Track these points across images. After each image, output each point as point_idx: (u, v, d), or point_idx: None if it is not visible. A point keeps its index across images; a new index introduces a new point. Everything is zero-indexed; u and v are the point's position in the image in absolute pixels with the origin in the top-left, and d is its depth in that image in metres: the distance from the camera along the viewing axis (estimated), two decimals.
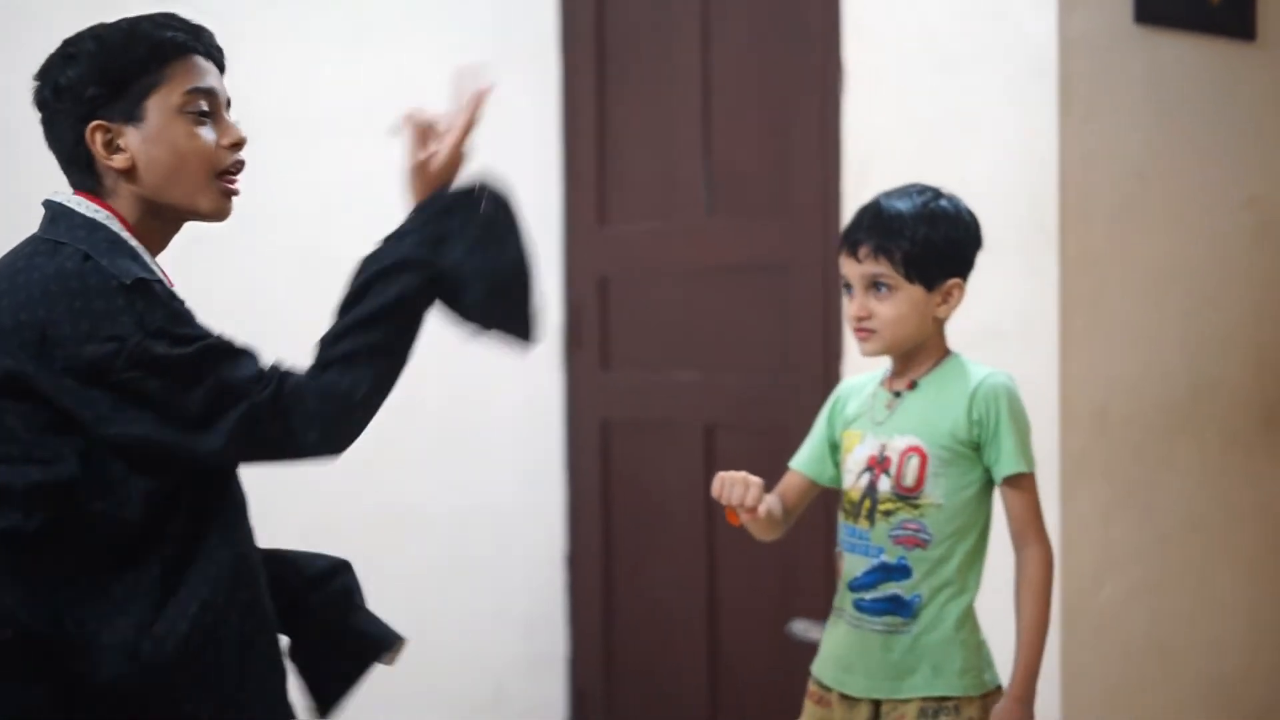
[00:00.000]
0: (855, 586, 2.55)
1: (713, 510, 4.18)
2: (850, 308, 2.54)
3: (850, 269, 2.53)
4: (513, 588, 4.56)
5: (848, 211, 3.61)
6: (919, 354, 2.57)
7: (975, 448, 2.51)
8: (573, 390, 4.64)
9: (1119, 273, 3.35)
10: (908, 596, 2.52)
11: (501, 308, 2.21)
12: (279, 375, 2.01)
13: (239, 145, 2.15)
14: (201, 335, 1.99)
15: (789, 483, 2.73)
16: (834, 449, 2.68)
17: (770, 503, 2.57)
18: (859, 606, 2.55)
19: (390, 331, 2.10)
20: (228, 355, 2.00)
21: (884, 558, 2.51)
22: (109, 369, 1.92)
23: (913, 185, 2.57)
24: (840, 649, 2.59)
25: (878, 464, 2.53)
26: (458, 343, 4.34)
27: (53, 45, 2.12)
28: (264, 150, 3.93)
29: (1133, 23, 3.33)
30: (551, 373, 4.62)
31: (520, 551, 4.57)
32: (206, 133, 2.11)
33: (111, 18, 2.13)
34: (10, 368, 1.93)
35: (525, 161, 4.56)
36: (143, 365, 1.93)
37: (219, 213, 2.15)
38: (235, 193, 2.16)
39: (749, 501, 2.48)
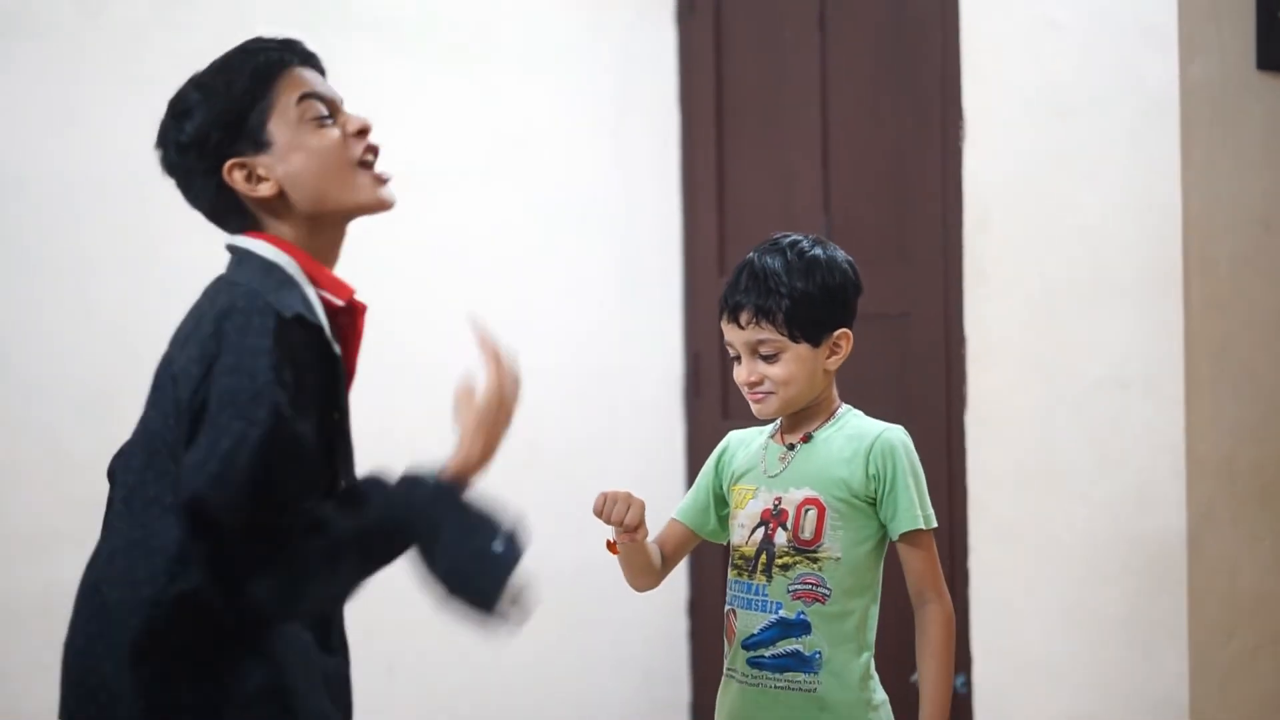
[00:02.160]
0: (752, 644, 2.46)
1: None
2: (740, 373, 2.49)
3: (734, 335, 2.48)
4: (634, 636, 4.57)
5: (969, 258, 3.62)
6: (812, 408, 2.52)
7: (871, 502, 2.44)
8: (693, 439, 4.65)
9: (1243, 319, 3.32)
10: (808, 652, 2.42)
11: (468, 588, 2.09)
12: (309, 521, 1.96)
13: (366, 131, 2.15)
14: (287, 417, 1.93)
15: (669, 532, 2.65)
16: (719, 502, 2.61)
17: (650, 544, 2.55)
18: (757, 664, 2.45)
19: (348, 582, 2.03)
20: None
21: (782, 613, 2.43)
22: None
23: (783, 236, 2.51)
24: (738, 711, 2.48)
25: (773, 517, 2.46)
26: (578, 394, 4.44)
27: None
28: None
29: (1254, 69, 3.31)
30: (672, 422, 4.64)
31: (641, 599, 4.56)
32: (331, 131, 2.11)
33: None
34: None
35: (647, 212, 4.61)
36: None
37: (379, 202, 2.16)
38: (385, 179, 2.17)
39: (630, 520, 2.44)
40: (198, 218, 3.60)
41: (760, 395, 2.48)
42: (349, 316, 2.16)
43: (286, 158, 2.08)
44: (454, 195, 4.17)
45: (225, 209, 2.12)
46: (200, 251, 3.70)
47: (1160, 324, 3.26)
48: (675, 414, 4.64)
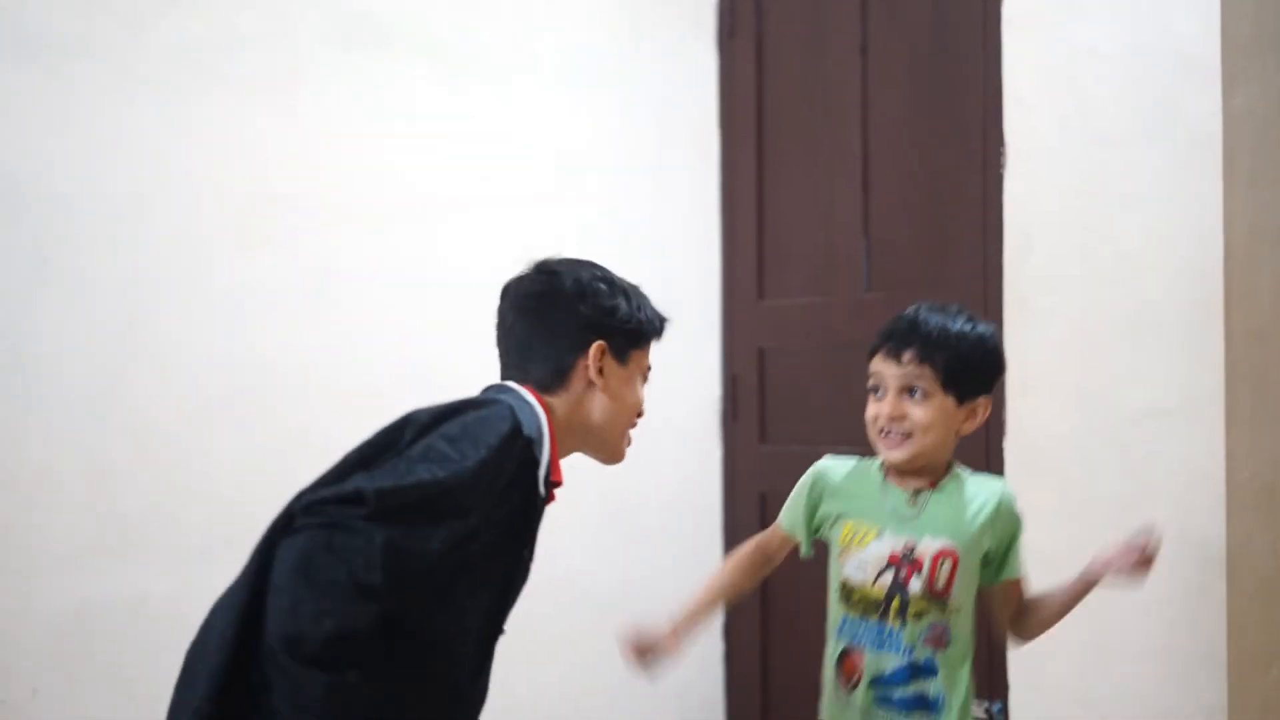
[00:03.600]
0: (881, 683, 2.57)
1: None
2: (880, 407, 2.61)
3: (888, 370, 2.61)
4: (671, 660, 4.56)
5: (1009, 286, 3.61)
6: (937, 459, 2.65)
7: (986, 555, 2.62)
8: (730, 463, 4.66)
9: None
10: (933, 695, 2.56)
11: None
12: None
13: (642, 415, 2.52)
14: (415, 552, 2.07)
15: (776, 537, 2.82)
16: (810, 527, 2.75)
17: (720, 581, 2.82)
18: (884, 702, 2.57)
19: None
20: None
21: (914, 656, 2.56)
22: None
23: (949, 305, 2.67)
24: None
25: (905, 563, 2.56)
26: None
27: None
28: (429, 226, 4.07)
29: None
30: (710, 446, 4.64)
31: None
32: (642, 393, 2.50)
33: None
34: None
35: (686, 235, 4.62)
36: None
37: (618, 459, 2.54)
38: (631, 441, 2.52)
39: (664, 652, 2.74)
40: (235, 237, 3.63)
41: (897, 438, 2.59)
42: (547, 499, 2.39)
43: (622, 383, 2.45)
44: (494, 217, 4.19)
45: (560, 361, 2.40)
46: (245, 273, 3.76)
47: (1201, 354, 3.24)
48: (713, 437, 4.65)
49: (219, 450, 3.69)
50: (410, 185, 4.03)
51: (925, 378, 2.55)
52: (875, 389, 2.62)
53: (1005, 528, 2.62)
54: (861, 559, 2.60)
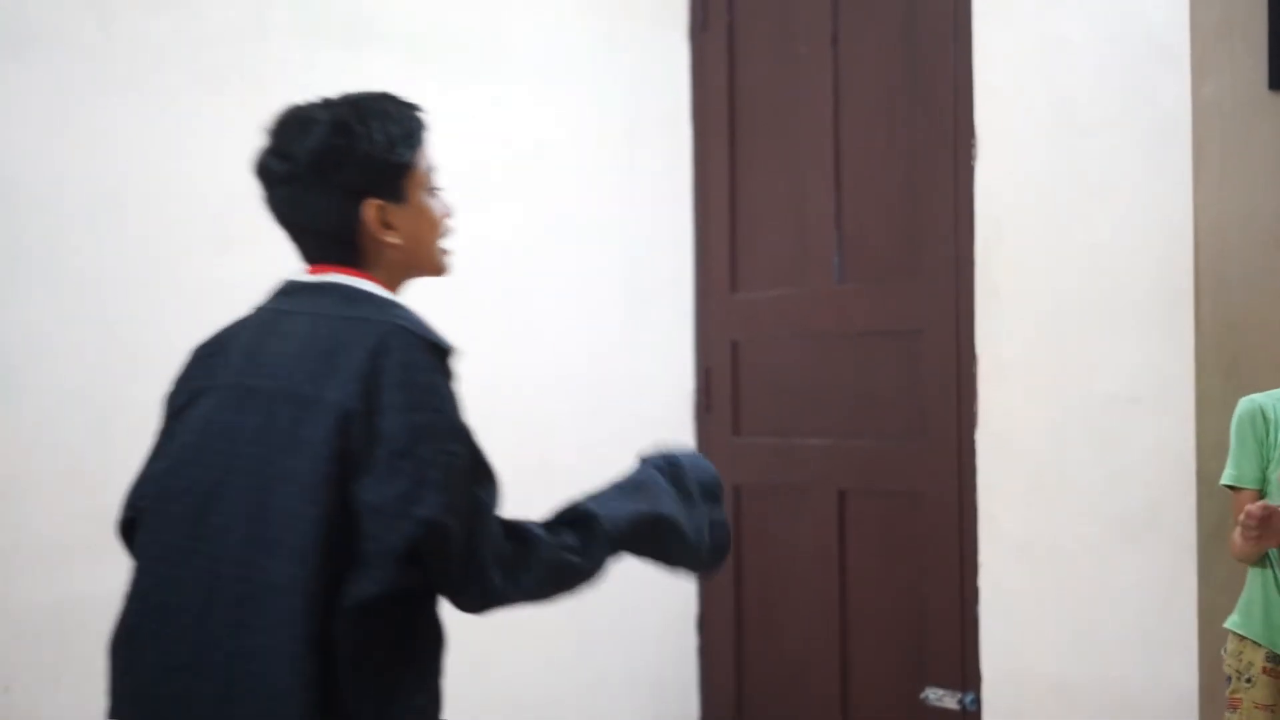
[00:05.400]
0: None
1: (845, 574, 4.19)
2: None
3: None
4: (644, 651, 4.58)
5: (981, 275, 3.63)
6: None
7: None
8: (704, 454, 4.66)
9: (1254, 337, 3.32)
10: None
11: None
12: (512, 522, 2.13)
13: (449, 215, 2.33)
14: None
15: (1247, 503, 2.81)
16: (1270, 461, 2.85)
17: None
18: None
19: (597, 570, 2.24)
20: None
21: None
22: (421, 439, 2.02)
23: None
24: None
25: None
26: (589, 408, 4.45)
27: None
28: None
29: (1266, 89, 3.31)
30: (684, 438, 4.65)
31: (652, 615, 4.59)
32: (439, 202, 2.30)
33: None
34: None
35: (659, 227, 4.62)
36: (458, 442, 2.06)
37: (446, 271, 2.34)
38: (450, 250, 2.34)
39: None
40: (213, 234, 3.62)
41: None
42: None
43: (416, 218, 2.23)
44: (466, 209, 4.17)
45: (336, 235, 2.19)
46: (221, 270, 3.74)
47: (1171, 341, 3.26)
48: (686, 429, 4.65)
49: None
50: None
51: None
52: None
53: None
54: None
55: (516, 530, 2.12)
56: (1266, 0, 3.31)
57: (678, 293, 4.64)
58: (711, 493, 2.41)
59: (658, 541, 2.28)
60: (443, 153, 4.12)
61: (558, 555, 2.15)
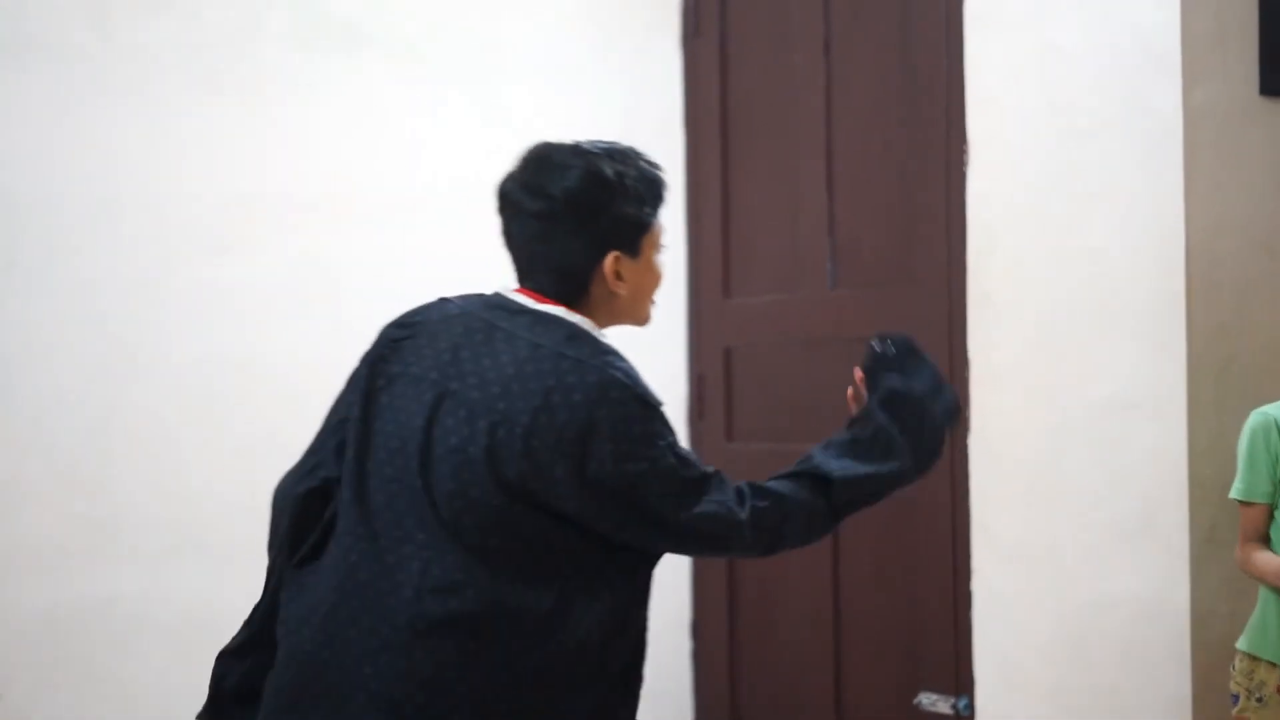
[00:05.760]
0: None
1: (839, 579, 4.19)
2: None
3: None
4: None
5: (973, 282, 3.64)
6: None
7: None
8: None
9: (1247, 343, 3.33)
10: None
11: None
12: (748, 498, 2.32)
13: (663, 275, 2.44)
14: (696, 461, 2.28)
15: (1258, 518, 2.92)
16: (1277, 476, 2.89)
17: None
18: None
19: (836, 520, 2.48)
20: (717, 480, 2.28)
21: None
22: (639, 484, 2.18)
23: None
24: None
25: None
26: None
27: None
28: (397, 226, 4.07)
29: (1258, 95, 3.33)
30: None
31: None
32: (661, 262, 2.41)
33: None
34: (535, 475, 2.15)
35: None
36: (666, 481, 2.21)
37: (648, 322, 2.45)
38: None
39: None
40: (209, 239, 3.61)
41: None
42: None
43: (643, 273, 2.36)
44: (460, 217, 4.18)
45: (574, 275, 2.30)
46: (214, 275, 3.75)
47: (1164, 347, 3.27)
48: (680, 436, 4.65)
49: (188, 452, 3.68)
50: (378, 186, 4.03)
51: None
52: None
53: None
54: None
55: (763, 491, 2.33)
56: (1258, 6, 3.33)
57: (671, 299, 4.64)
58: (939, 400, 2.57)
59: (882, 493, 2.48)
60: (438, 161, 4.18)
61: (802, 507, 2.37)
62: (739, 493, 2.30)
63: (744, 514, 2.27)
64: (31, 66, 3.50)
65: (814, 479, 2.40)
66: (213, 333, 3.74)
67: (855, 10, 4.18)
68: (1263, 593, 2.89)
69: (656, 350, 4.60)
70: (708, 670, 4.63)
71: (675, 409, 4.64)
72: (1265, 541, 2.93)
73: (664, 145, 4.65)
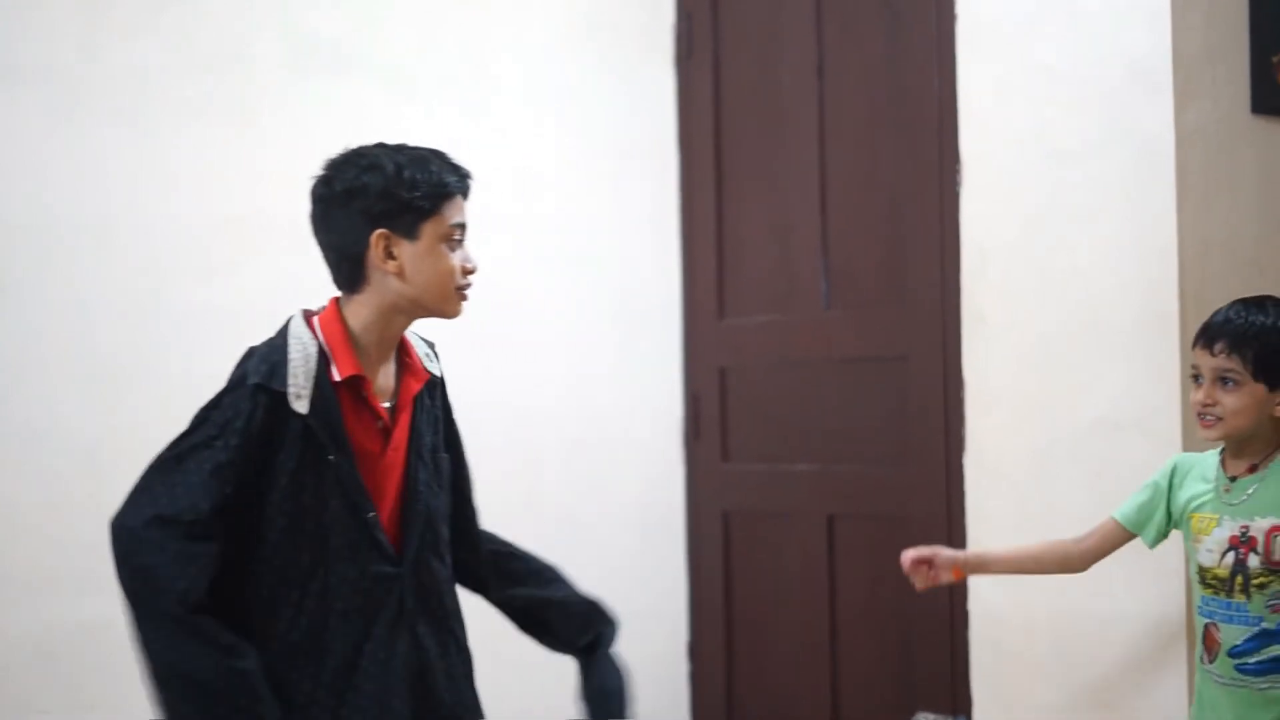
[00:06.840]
0: (1237, 653, 2.78)
1: (835, 599, 4.19)
2: (1197, 395, 2.79)
3: (1204, 360, 2.79)
4: (635, 679, 4.56)
5: (966, 302, 3.64)
6: (1255, 442, 2.80)
7: None
8: (693, 482, 4.66)
9: None
10: None
11: None
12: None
13: (472, 271, 2.54)
14: (188, 454, 2.48)
15: (1103, 528, 3.04)
16: (1165, 516, 2.95)
17: (1042, 547, 3.12)
18: (1242, 670, 2.77)
19: None
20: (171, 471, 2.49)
21: (1264, 624, 2.76)
22: None
23: (1265, 301, 2.80)
24: (1219, 711, 2.82)
25: (1242, 543, 2.78)
26: (578, 436, 4.45)
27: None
28: None
29: (1248, 113, 3.34)
30: (672, 465, 4.65)
31: (643, 642, 4.55)
32: (457, 257, 2.50)
33: None
34: None
35: (646, 255, 4.63)
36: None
37: (456, 314, 2.55)
38: (466, 297, 2.55)
39: (942, 571, 3.11)
40: (197, 262, 3.63)
41: (1210, 420, 2.78)
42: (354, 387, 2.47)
43: (421, 257, 2.44)
44: None
45: (350, 256, 2.44)
46: (203, 297, 3.75)
47: (1156, 366, 3.27)
48: (675, 456, 4.65)
49: None
50: None
51: (1236, 368, 2.74)
52: (1196, 377, 2.80)
53: None
54: (1208, 546, 2.82)
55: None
56: (1248, 26, 3.33)
57: (665, 320, 4.64)
58: None
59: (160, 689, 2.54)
60: None
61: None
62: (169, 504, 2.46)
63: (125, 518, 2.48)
64: (22, 88, 3.50)
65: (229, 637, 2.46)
66: (205, 354, 3.71)
67: (847, 33, 4.19)
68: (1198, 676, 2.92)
69: (651, 371, 4.62)
70: (705, 692, 4.62)
71: (671, 430, 4.64)
72: (1089, 554, 3.06)
73: (657, 166, 4.66)
